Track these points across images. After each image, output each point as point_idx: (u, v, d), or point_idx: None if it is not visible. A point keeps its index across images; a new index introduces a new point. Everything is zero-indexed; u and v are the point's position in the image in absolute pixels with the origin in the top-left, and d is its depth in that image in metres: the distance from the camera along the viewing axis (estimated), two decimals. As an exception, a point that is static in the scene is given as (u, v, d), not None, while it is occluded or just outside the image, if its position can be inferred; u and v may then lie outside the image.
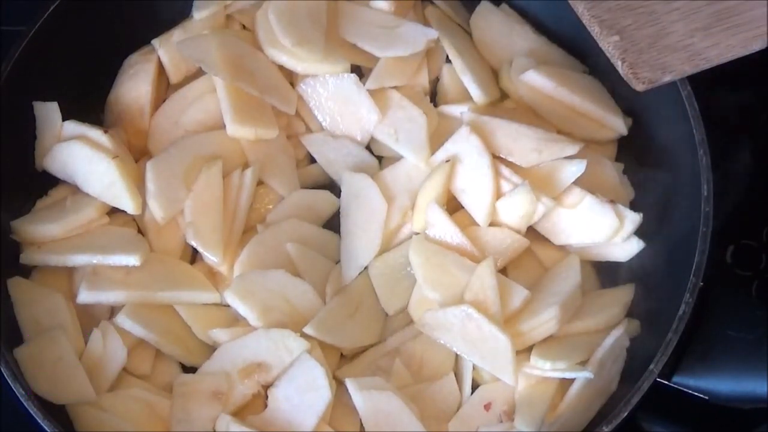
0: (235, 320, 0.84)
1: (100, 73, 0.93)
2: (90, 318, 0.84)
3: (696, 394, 0.79)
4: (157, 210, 0.84)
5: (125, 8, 0.93)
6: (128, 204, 0.84)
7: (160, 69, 0.93)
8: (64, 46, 0.89)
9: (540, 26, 0.97)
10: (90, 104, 0.93)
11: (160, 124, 0.91)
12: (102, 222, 0.86)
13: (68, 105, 0.90)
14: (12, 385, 0.74)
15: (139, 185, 0.85)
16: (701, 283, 0.77)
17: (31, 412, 0.73)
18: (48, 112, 0.88)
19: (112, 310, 0.84)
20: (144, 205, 0.85)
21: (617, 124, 0.90)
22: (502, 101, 0.94)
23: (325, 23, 0.92)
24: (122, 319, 0.81)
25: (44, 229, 0.84)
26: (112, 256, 0.82)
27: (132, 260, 0.82)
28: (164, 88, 0.94)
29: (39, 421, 0.73)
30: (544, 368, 0.79)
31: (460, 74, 0.92)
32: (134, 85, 0.92)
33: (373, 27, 0.93)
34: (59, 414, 0.78)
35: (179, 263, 0.86)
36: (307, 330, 0.80)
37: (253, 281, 0.83)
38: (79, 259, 0.83)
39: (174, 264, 0.86)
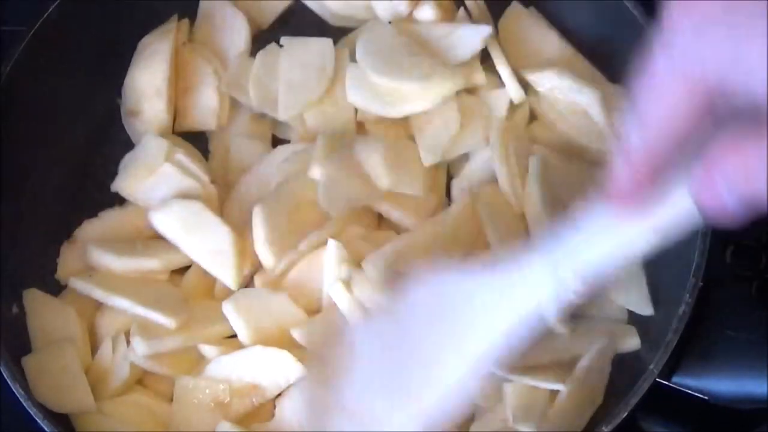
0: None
1: (101, 74, 0.93)
2: (96, 336, 0.84)
3: (696, 394, 0.79)
4: (267, 258, 0.82)
5: (126, 8, 0.93)
6: (230, 278, 0.83)
7: (177, 49, 0.93)
8: (65, 46, 0.89)
9: (566, 33, 0.94)
10: (93, 102, 0.93)
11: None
12: (161, 278, 0.85)
13: (69, 104, 0.90)
14: (12, 386, 0.75)
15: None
16: (701, 283, 0.76)
17: (31, 412, 0.73)
18: (156, 146, 0.87)
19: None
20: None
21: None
22: (530, 123, 0.91)
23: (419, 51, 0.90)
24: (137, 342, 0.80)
25: (107, 260, 0.84)
26: (152, 312, 0.80)
27: (169, 323, 0.80)
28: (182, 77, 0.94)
29: (39, 421, 0.73)
30: None
31: (500, 67, 0.90)
32: (149, 66, 0.91)
33: (431, 41, 0.91)
34: (59, 415, 0.78)
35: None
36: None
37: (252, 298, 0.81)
38: (120, 303, 0.82)
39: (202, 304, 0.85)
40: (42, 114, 0.89)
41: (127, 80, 0.93)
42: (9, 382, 0.75)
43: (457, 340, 0.65)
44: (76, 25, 0.89)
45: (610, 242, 0.57)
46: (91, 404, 0.79)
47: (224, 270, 0.83)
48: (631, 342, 0.82)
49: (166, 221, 0.85)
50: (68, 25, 0.89)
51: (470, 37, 0.90)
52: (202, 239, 0.84)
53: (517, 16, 0.95)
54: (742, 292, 0.85)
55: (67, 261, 0.87)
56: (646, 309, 0.83)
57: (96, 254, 0.84)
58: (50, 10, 0.87)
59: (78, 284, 0.84)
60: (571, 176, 0.88)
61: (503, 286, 0.63)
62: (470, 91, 0.91)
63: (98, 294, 0.83)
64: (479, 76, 0.91)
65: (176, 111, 0.93)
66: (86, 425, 0.78)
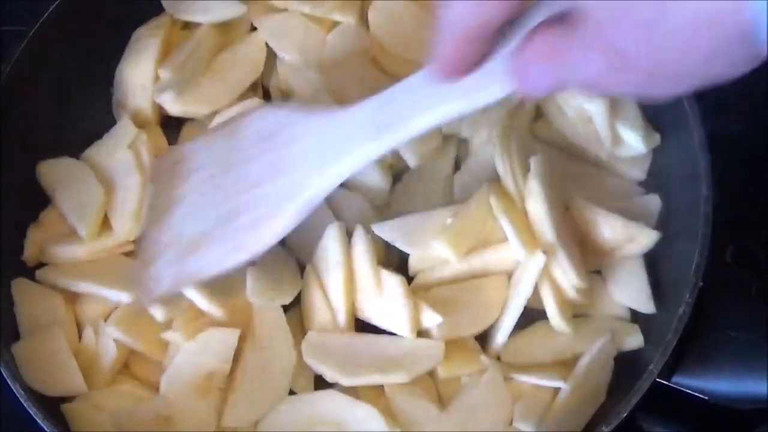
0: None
1: (101, 73, 0.93)
2: (85, 321, 0.84)
3: (696, 394, 0.79)
4: None
5: (127, 8, 0.93)
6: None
7: (167, 45, 0.93)
8: (65, 46, 0.89)
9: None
10: (93, 101, 0.93)
11: None
12: (127, 248, 0.86)
13: (69, 105, 0.90)
14: (12, 386, 0.75)
15: None
16: (701, 283, 0.76)
17: (31, 412, 0.73)
18: (125, 133, 0.89)
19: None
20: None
21: (637, 144, 0.87)
22: (534, 121, 0.91)
23: None
24: (111, 330, 0.81)
25: (67, 251, 0.85)
26: (107, 290, 0.82)
27: (124, 297, 0.82)
28: None
29: (39, 421, 0.73)
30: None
31: None
32: (138, 60, 0.91)
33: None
34: (59, 414, 0.78)
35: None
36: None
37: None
38: (84, 287, 0.83)
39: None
40: (42, 114, 0.89)
41: (118, 71, 0.93)
42: (10, 383, 0.75)
43: (283, 171, 0.71)
44: (76, 24, 0.89)
45: (430, 105, 0.61)
46: (82, 386, 0.79)
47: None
48: (634, 340, 0.81)
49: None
50: (68, 25, 0.89)
51: None
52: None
53: None
54: (742, 292, 0.85)
55: (35, 243, 0.86)
56: (648, 307, 0.83)
57: (55, 250, 0.85)
58: (50, 10, 0.87)
59: (43, 277, 0.84)
60: (573, 174, 0.88)
61: (332, 129, 0.69)
62: None
63: (62, 282, 0.84)
64: None
65: None
66: (80, 420, 0.78)
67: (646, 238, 0.82)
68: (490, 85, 0.57)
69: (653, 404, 0.78)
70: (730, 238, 0.87)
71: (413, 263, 0.84)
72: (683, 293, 0.76)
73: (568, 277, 0.79)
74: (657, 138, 0.88)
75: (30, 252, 0.86)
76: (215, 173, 0.76)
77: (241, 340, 0.80)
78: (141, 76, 0.91)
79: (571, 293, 0.80)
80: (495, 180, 0.85)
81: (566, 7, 0.49)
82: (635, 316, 0.84)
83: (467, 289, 0.83)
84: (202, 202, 0.75)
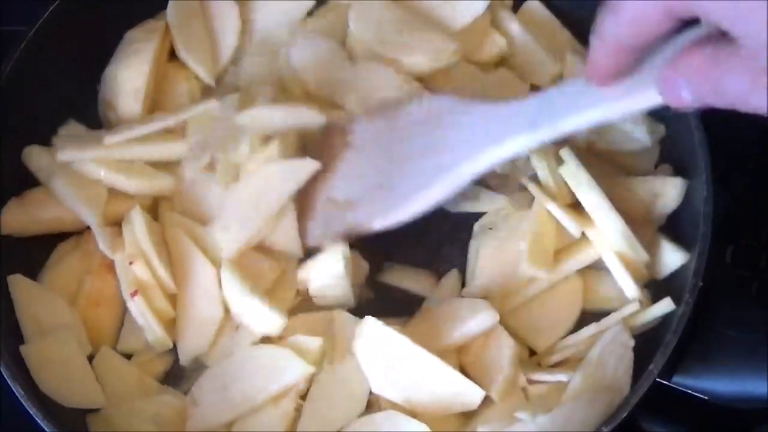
0: None
1: (101, 73, 0.92)
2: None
3: (696, 394, 0.79)
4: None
5: (128, 8, 0.93)
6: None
7: (162, 49, 0.92)
8: (65, 46, 0.89)
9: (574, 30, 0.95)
10: (93, 101, 0.93)
11: None
12: None
13: (69, 104, 0.90)
14: (11, 385, 0.74)
15: None
16: (701, 283, 0.76)
17: (31, 412, 0.73)
18: None
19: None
20: None
21: (641, 136, 0.87)
22: None
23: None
24: None
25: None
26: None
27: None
28: (164, 68, 0.94)
29: (39, 421, 0.73)
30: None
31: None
32: (132, 63, 0.90)
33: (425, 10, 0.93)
34: (59, 414, 0.78)
35: None
36: None
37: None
38: None
39: None
40: (42, 114, 0.89)
41: (108, 71, 0.92)
42: (10, 383, 0.75)
43: (438, 150, 0.76)
44: (76, 24, 0.89)
45: (583, 108, 0.66)
46: (101, 399, 0.79)
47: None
48: (665, 304, 0.79)
49: None
50: (68, 25, 0.89)
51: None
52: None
53: (532, 12, 0.96)
54: (742, 292, 0.85)
55: (12, 215, 0.85)
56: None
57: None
58: (50, 10, 0.87)
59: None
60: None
61: (489, 119, 0.74)
62: None
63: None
64: (499, 40, 0.92)
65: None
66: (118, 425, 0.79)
67: (672, 188, 0.83)
68: (639, 94, 0.61)
69: (653, 404, 0.78)
70: (730, 238, 0.88)
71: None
72: (683, 293, 0.76)
73: (639, 255, 0.80)
74: (662, 129, 0.87)
75: (3, 219, 0.84)
76: (376, 145, 0.81)
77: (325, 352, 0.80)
78: (135, 83, 0.90)
79: (644, 271, 0.81)
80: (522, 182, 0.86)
81: (719, 29, 0.52)
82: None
83: (543, 298, 0.83)
84: (362, 169, 0.81)
